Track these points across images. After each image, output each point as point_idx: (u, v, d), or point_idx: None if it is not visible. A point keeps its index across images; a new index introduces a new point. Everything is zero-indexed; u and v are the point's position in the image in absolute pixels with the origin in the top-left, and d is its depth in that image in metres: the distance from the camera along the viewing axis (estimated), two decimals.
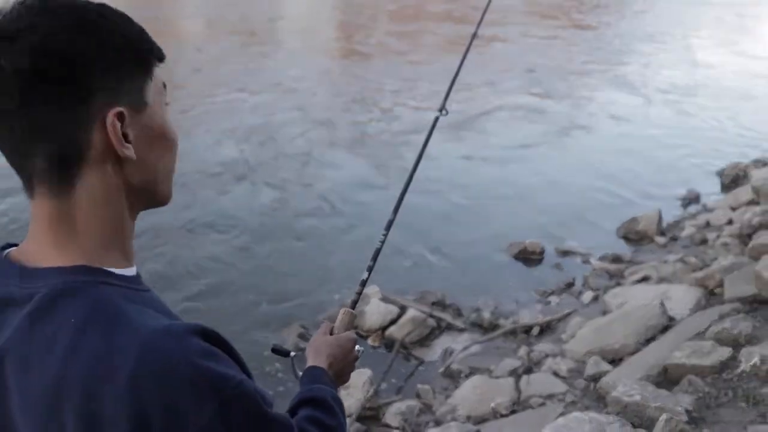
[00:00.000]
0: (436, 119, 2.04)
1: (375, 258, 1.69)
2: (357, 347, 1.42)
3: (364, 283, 1.66)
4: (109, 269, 0.87)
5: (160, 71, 0.93)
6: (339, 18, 19.99)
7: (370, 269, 1.68)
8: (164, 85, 0.94)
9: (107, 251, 0.88)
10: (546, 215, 7.14)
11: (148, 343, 0.78)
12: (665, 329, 4.37)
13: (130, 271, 0.91)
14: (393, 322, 5.18)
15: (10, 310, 0.85)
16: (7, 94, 0.81)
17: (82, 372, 0.78)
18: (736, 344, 3.62)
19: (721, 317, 4.02)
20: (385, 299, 5.36)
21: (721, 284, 4.70)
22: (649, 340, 4.28)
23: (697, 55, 15.35)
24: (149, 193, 0.94)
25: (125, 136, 0.86)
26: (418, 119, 9.27)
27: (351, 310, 1.53)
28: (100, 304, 0.82)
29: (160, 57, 0.92)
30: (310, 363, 1.33)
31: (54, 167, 0.84)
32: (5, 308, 0.85)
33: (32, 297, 0.83)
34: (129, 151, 0.86)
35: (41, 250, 0.87)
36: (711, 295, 4.75)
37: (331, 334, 1.44)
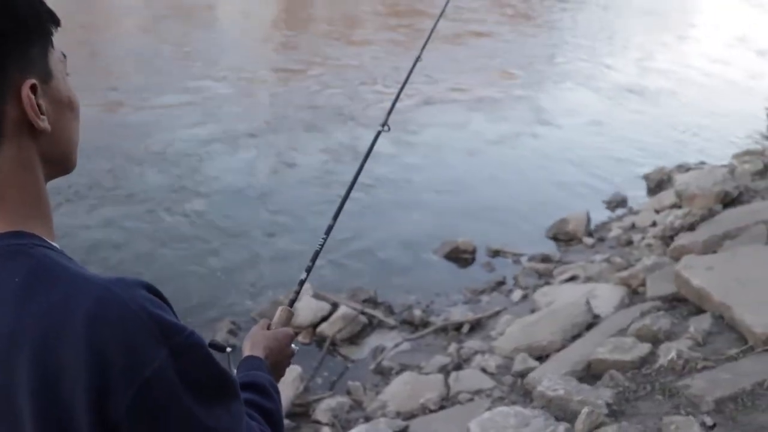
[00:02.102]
0: (378, 134, 2.10)
1: (314, 259, 1.71)
2: (293, 345, 1.44)
3: (302, 283, 1.67)
4: (42, 237, 0.87)
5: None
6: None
7: (308, 269, 1.70)
8: (64, 55, 0.94)
9: (35, 221, 0.88)
10: (478, 214, 7.24)
11: (104, 292, 0.79)
12: (590, 326, 4.49)
13: (56, 245, 0.90)
14: (324, 318, 5.18)
15: None
16: None
17: (36, 323, 0.77)
18: (656, 340, 3.75)
19: (642, 315, 4.15)
20: (316, 296, 5.35)
21: (643, 283, 4.85)
22: (575, 337, 4.39)
23: (641, 57, 15.85)
24: (61, 163, 0.94)
25: (39, 107, 0.85)
26: (363, 132, 9.27)
27: (289, 308, 1.55)
28: (44, 260, 0.82)
29: (57, 22, 0.92)
30: (246, 354, 1.34)
31: None
32: None
33: None
34: (44, 123, 0.86)
35: None
36: (634, 293, 4.89)
37: (268, 329, 1.45)
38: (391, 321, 5.29)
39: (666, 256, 5.23)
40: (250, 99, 10.75)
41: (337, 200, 1.84)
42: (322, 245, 1.75)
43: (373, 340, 5.08)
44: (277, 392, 1.23)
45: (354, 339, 5.09)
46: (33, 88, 0.84)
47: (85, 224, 6.36)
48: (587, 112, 11.44)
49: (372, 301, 5.48)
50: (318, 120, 9.79)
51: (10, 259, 0.82)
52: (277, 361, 1.37)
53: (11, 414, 0.79)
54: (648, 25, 21.77)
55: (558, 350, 4.31)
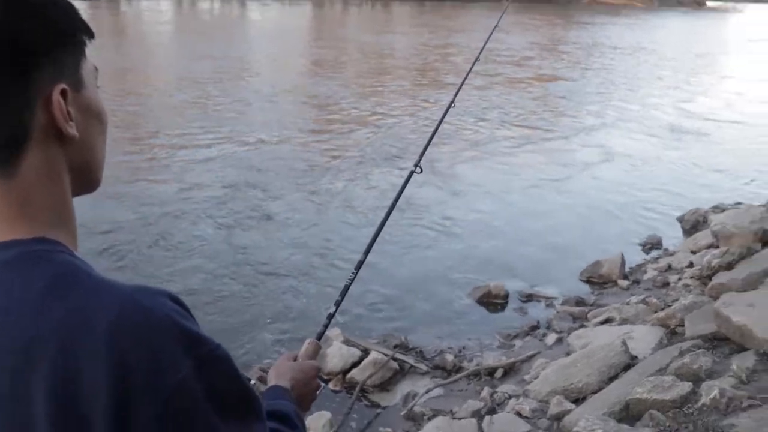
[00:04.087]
0: (411, 174, 2.14)
1: (343, 294, 1.73)
2: (319, 381, 1.42)
3: (331, 317, 1.68)
4: (66, 245, 0.85)
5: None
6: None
7: (338, 304, 1.71)
8: (95, 68, 0.93)
9: (59, 229, 0.86)
10: (511, 257, 7.17)
11: (128, 299, 0.77)
12: (627, 367, 4.34)
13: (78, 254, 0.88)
14: (355, 365, 5.09)
15: None
16: None
17: (57, 329, 0.75)
18: (697, 379, 3.60)
19: (682, 353, 4.01)
20: (347, 342, 5.27)
21: (682, 323, 4.71)
22: (611, 379, 4.24)
23: (683, 98, 15.92)
24: (86, 175, 0.92)
25: (68, 114, 0.85)
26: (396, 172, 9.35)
27: (316, 341, 1.55)
28: (67, 267, 0.80)
29: (91, 34, 0.91)
30: (272, 383, 1.32)
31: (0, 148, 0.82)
32: None
33: None
34: (73, 129, 0.85)
35: None
36: (672, 334, 4.75)
37: (294, 361, 1.44)
38: (422, 366, 5.19)
39: (704, 296, 5.09)
40: (287, 144, 10.89)
41: (367, 239, 1.86)
42: (352, 279, 1.76)
43: (405, 386, 4.97)
44: (302, 423, 1.20)
45: (385, 385, 4.98)
46: (63, 93, 0.84)
47: (117, 266, 6.41)
48: (624, 153, 11.52)
49: (403, 347, 5.38)
50: (352, 162, 9.90)
51: (32, 265, 0.80)
52: (303, 393, 1.34)
53: (27, 422, 0.76)
54: (695, 67, 21.90)
55: (595, 392, 4.17)
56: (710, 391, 3.31)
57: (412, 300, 6.28)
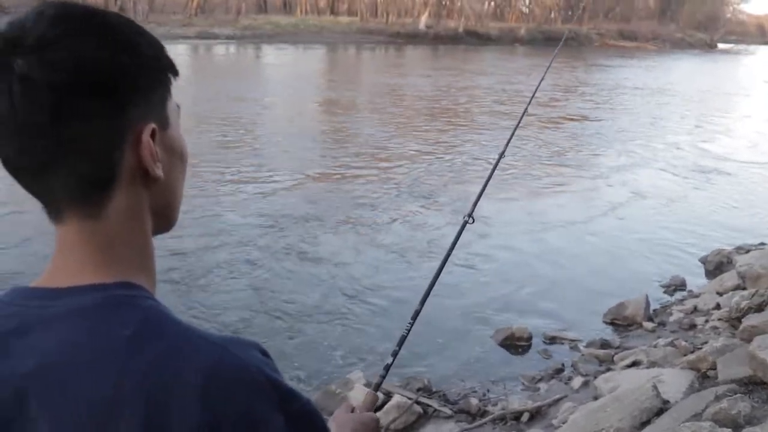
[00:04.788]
0: (464, 224, 2.19)
1: (401, 344, 1.74)
2: None
3: (388, 368, 1.69)
4: (148, 290, 0.82)
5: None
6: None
7: (395, 354, 1.72)
8: (178, 106, 0.90)
9: (141, 273, 0.83)
10: (534, 299, 7.08)
11: (221, 351, 0.75)
12: (660, 412, 4.22)
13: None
14: (378, 408, 4.99)
15: (37, 333, 0.75)
16: (36, 109, 0.74)
17: (144, 381, 0.71)
18: (736, 425, 3.49)
19: (718, 398, 3.89)
20: (368, 385, 5.17)
21: (713, 366, 4.60)
22: (644, 424, 4.12)
23: (706, 138, 15.99)
24: (166, 215, 0.89)
25: (156, 154, 0.82)
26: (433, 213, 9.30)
27: (374, 392, 1.57)
28: (154, 314, 0.77)
29: (176, 72, 0.88)
30: None
31: (86, 188, 0.79)
32: (28, 333, 0.76)
33: (70, 314, 0.75)
34: (160, 171, 0.82)
35: (75, 270, 0.79)
36: (704, 377, 4.63)
37: (352, 413, 1.42)
38: (446, 410, 5.08)
39: (735, 338, 4.97)
40: (323, 183, 10.92)
41: (417, 286, 1.83)
42: (409, 329, 1.77)
43: (429, 431, 4.86)
44: None
45: (409, 429, 4.88)
46: (153, 133, 0.81)
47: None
48: (649, 193, 11.59)
49: (426, 390, 5.28)
50: (391, 199, 9.90)
51: (117, 310, 0.76)
52: None
53: None
54: (716, 107, 22.05)
55: None
56: None
57: (433, 341, 6.18)
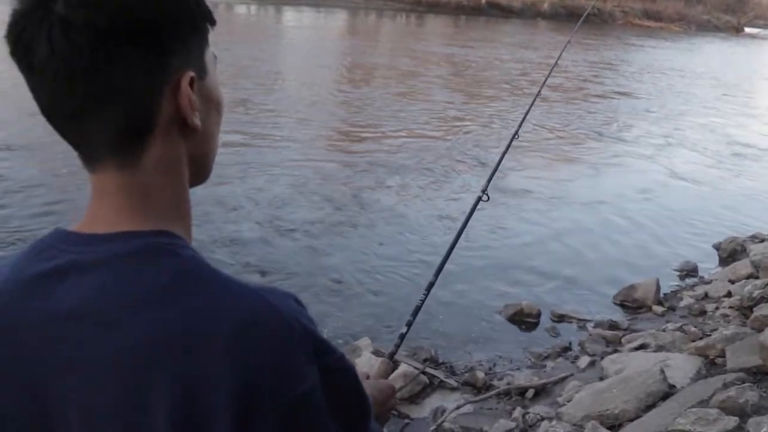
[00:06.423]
0: (478, 200, 2.16)
1: (415, 314, 1.75)
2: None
3: (403, 336, 1.70)
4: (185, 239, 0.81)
5: None
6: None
7: (409, 324, 1.72)
8: (215, 56, 0.89)
9: (178, 223, 0.82)
10: (544, 277, 7.06)
11: (258, 300, 0.74)
12: (666, 396, 4.23)
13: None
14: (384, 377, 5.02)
15: (73, 278, 0.75)
16: (75, 54, 0.72)
17: (182, 329, 0.71)
18: (743, 414, 3.49)
19: (725, 386, 3.89)
20: (376, 353, 5.20)
21: (722, 354, 4.59)
22: (649, 407, 4.13)
23: (735, 123, 15.85)
24: (202, 167, 0.88)
25: (194, 103, 0.80)
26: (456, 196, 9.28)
27: (389, 360, 1.57)
28: (193, 262, 0.76)
29: (214, 21, 0.86)
30: None
31: (123, 135, 0.77)
32: (65, 277, 0.76)
33: (107, 259, 0.75)
34: (197, 120, 0.81)
35: (112, 217, 0.79)
36: (712, 364, 4.63)
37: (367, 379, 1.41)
38: (452, 382, 5.11)
39: (746, 327, 4.96)
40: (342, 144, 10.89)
41: (431, 260, 1.84)
42: (424, 300, 1.78)
43: (434, 401, 4.89)
44: None
45: (414, 398, 4.91)
46: (191, 81, 0.79)
47: None
48: (678, 176, 11.50)
49: (433, 361, 5.31)
50: (417, 183, 9.83)
51: (155, 258, 0.75)
52: (380, 413, 1.30)
53: (144, 428, 0.72)
54: (755, 91, 21.77)
55: (632, 419, 4.07)
56: (759, 428, 3.21)
57: (442, 313, 6.20)
